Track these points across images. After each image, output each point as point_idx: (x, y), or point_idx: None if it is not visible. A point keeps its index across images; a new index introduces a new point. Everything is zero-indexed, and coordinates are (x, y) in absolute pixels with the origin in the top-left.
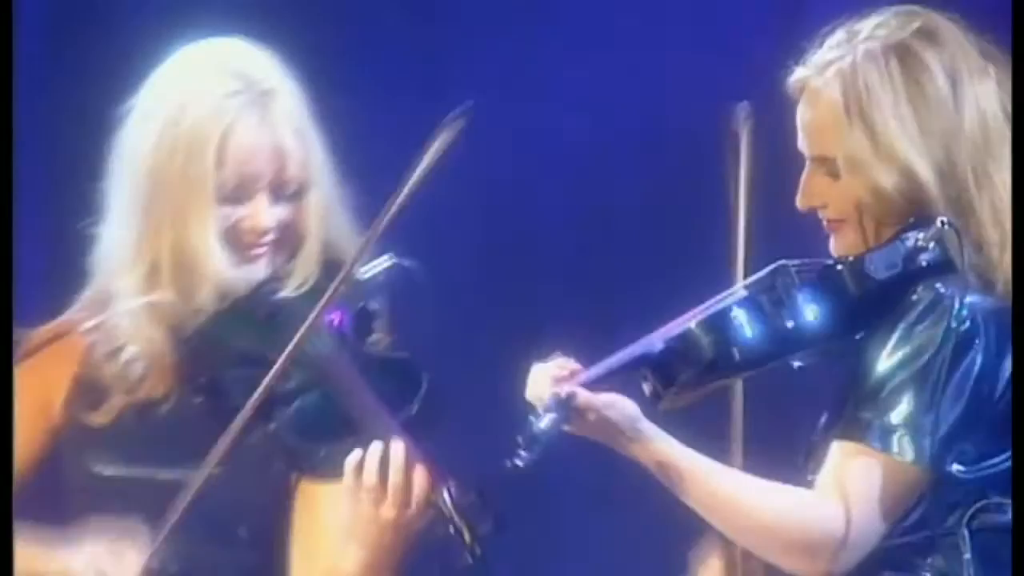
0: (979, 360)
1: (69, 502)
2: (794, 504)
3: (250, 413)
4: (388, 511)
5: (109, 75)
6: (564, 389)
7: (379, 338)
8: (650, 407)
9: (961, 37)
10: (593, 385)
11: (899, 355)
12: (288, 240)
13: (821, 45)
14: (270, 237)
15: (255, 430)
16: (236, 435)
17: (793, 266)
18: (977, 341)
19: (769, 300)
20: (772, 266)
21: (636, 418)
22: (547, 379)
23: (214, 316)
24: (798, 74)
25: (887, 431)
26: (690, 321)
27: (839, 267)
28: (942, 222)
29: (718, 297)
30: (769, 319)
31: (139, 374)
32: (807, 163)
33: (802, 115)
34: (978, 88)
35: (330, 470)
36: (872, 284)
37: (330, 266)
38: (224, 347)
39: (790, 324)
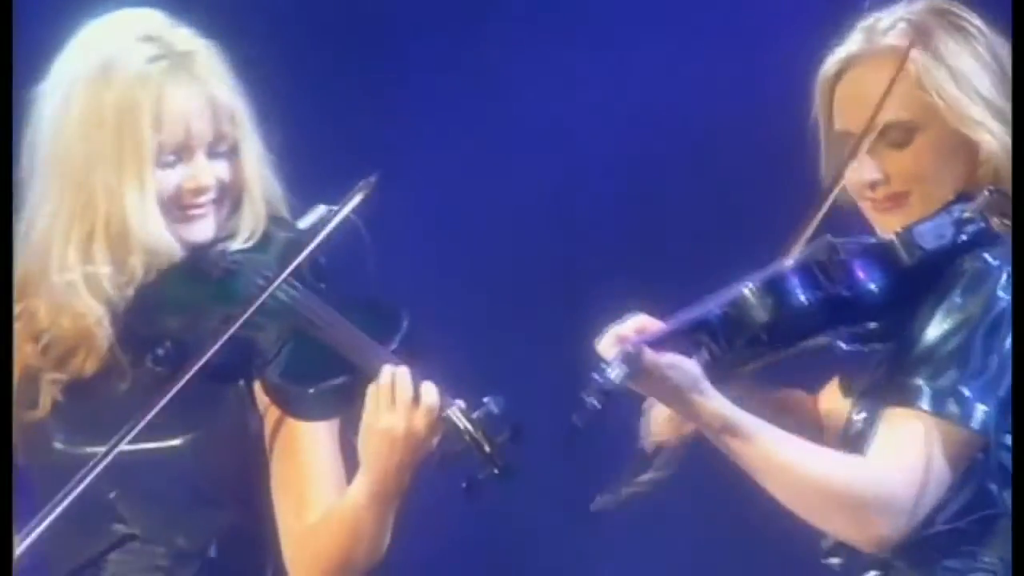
0: None
1: (37, 483)
2: (851, 469)
3: (216, 371)
4: (400, 425)
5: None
6: (631, 346)
7: (325, 288)
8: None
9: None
10: (654, 347)
11: (949, 323)
12: (229, 196)
13: (866, 20)
14: (211, 195)
15: (226, 389)
16: (206, 397)
17: (839, 241)
18: None
19: (820, 270)
20: (818, 240)
21: (698, 379)
22: (616, 335)
23: (170, 279)
24: (847, 48)
25: (940, 395)
26: (743, 287)
27: (888, 239)
28: (989, 191)
29: (766, 269)
30: (823, 287)
31: (64, 350)
32: (864, 137)
33: (860, 81)
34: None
35: (321, 409)
36: (921, 255)
37: (270, 219)
38: (184, 309)
39: (846, 293)
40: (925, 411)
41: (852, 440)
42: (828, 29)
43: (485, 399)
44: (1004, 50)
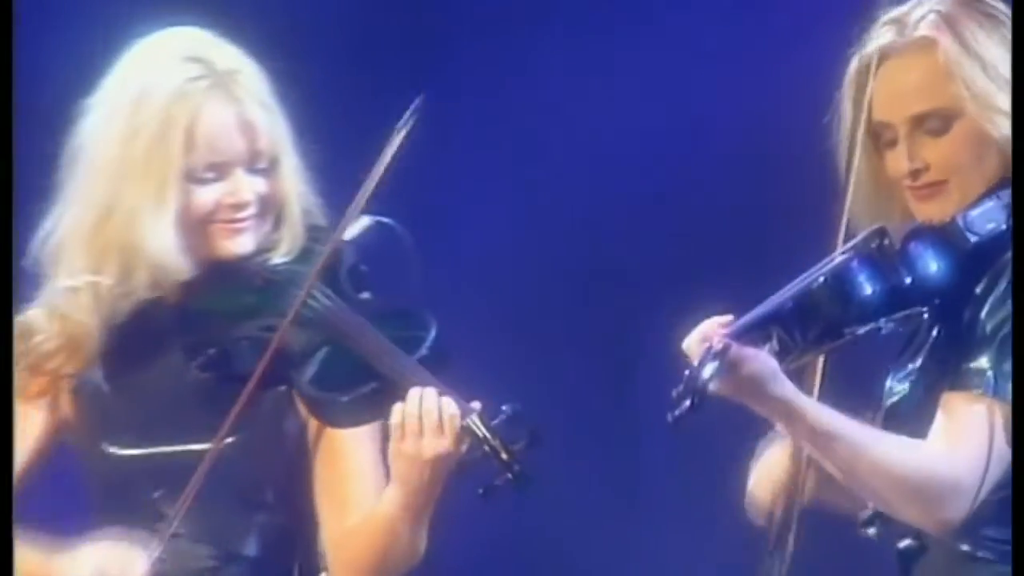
0: None
1: (83, 485)
2: (919, 454)
3: (259, 377)
4: (425, 444)
5: (70, 73)
6: (718, 342)
7: (369, 297)
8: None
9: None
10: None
11: (1005, 308)
12: (270, 210)
13: (895, 8)
14: (252, 210)
15: (268, 394)
16: (249, 401)
17: (892, 230)
18: None
19: (881, 259)
20: (871, 229)
21: (776, 371)
22: (702, 333)
23: (214, 289)
24: (878, 41)
25: (1000, 378)
26: (812, 280)
27: (942, 226)
28: None
29: (826, 260)
30: (885, 275)
31: (48, 350)
32: (902, 128)
33: (896, 73)
34: None
35: (353, 417)
36: (975, 240)
37: (312, 231)
38: (227, 317)
39: (908, 279)
40: (985, 394)
41: (887, 419)
42: (854, 29)
43: (504, 407)
44: None
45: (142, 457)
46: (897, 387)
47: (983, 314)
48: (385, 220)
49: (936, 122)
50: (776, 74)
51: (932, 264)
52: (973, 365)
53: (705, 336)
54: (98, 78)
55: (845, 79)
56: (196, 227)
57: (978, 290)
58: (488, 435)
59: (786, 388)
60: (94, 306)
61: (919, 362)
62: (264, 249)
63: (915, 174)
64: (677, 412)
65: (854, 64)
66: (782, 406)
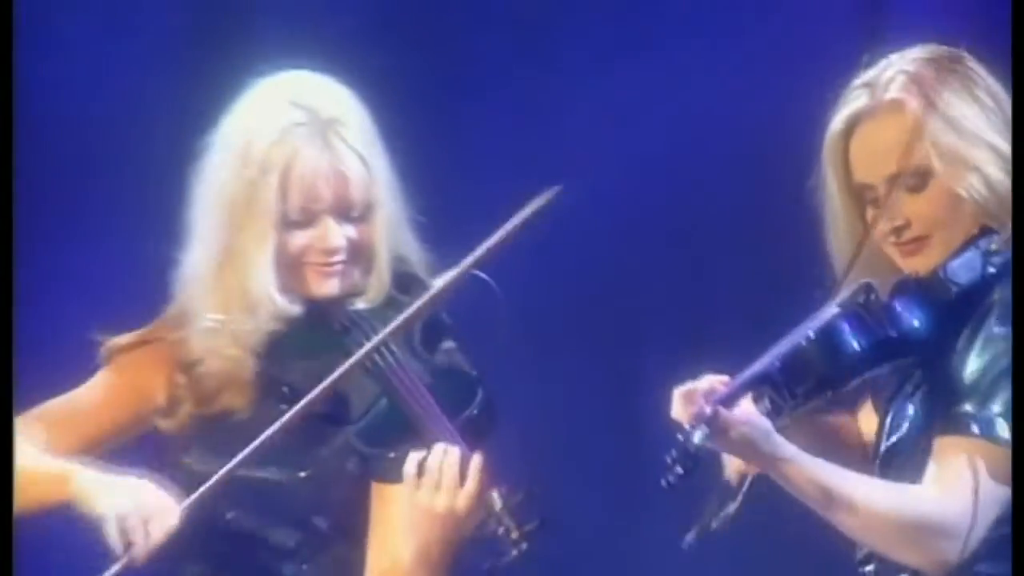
0: None
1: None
2: (917, 500)
3: (312, 411)
4: (442, 505)
5: (193, 109)
6: (708, 406)
7: (449, 347)
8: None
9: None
10: (724, 404)
11: (990, 352)
12: (360, 257)
13: (866, 72)
14: (341, 256)
15: (330, 434)
16: (317, 439)
17: (878, 284)
18: None
19: (866, 313)
20: (859, 283)
21: (769, 431)
22: (689, 398)
23: (299, 328)
24: (853, 105)
25: (990, 420)
26: (800, 338)
27: (924, 277)
28: (1012, 224)
29: (815, 316)
30: (872, 330)
31: (213, 387)
32: (881, 188)
33: (870, 136)
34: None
35: (399, 473)
36: (956, 290)
37: (402, 278)
38: (303, 358)
39: (893, 333)
40: (976, 437)
41: (886, 460)
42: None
43: (525, 489)
44: (1002, 91)
45: (220, 478)
46: (893, 430)
47: (969, 359)
48: (480, 274)
49: (912, 180)
50: (770, 138)
51: (917, 316)
52: (961, 409)
53: (694, 401)
54: (216, 116)
55: (824, 143)
56: (292, 268)
57: (962, 336)
58: (504, 513)
59: (778, 447)
60: (234, 342)
61: (911, 407)
62: (351, 293)
63: (898, 231)
64: (671, 478)
65: (832, 128)
66: (776, 463)
